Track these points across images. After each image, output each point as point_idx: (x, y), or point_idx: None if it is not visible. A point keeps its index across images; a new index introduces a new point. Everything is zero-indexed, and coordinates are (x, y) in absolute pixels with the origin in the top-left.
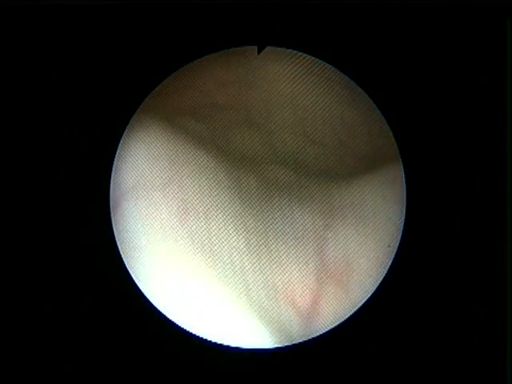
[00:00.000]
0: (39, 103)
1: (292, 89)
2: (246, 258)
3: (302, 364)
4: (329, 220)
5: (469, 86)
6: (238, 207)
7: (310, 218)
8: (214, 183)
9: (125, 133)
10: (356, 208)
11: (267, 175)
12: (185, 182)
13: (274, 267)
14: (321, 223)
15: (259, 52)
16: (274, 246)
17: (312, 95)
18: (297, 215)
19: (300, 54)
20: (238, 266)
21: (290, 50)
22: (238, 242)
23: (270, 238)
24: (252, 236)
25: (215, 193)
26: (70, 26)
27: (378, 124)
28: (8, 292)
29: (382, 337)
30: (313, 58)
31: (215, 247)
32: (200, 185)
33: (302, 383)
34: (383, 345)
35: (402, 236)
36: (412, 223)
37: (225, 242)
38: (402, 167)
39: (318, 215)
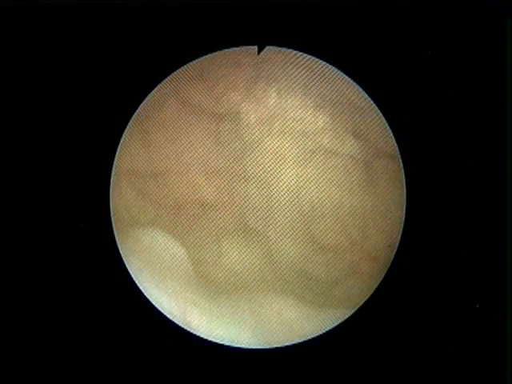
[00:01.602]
0: (39, 103)
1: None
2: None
3: (302, 364)
4: None
5: (468, 85)
6: None
7: None
8: None
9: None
10: None
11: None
12: None
13: None
14: None
15: (259, 52)
16: None
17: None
18: None
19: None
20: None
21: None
22: None
23: None
24: None
25: None
26: (70, 26)
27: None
28: (6, 292)
29: (381, 337)
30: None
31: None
32: None
33: (302, 383)
34: (383, 345)
35: (402, 236)
36: (412, 223)
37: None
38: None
39: None
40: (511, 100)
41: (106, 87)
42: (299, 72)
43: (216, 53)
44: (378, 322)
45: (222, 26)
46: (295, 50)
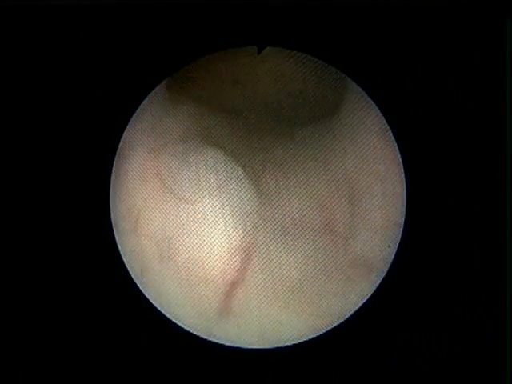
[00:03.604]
0: (39, 103)
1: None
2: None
3: (302, 364)
4: None
5: (468, 86)
6: None
7: None
8: None
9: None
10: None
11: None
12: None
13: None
14: None
15: (259, 52)
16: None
17: None
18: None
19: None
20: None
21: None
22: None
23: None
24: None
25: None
26: (70, 26)
27: None
28: (5, 293)
29: (382, 337)
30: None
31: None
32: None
33: (302, 383)
34: (383, 345)
35: (402, 236)
36: (412, 223)
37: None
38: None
39: None
40: (511, 100)
41: (104, 87)
42: None
43: (216, 53)
44: (378, 323)
45: (222, 26)
46: (295, 50)
